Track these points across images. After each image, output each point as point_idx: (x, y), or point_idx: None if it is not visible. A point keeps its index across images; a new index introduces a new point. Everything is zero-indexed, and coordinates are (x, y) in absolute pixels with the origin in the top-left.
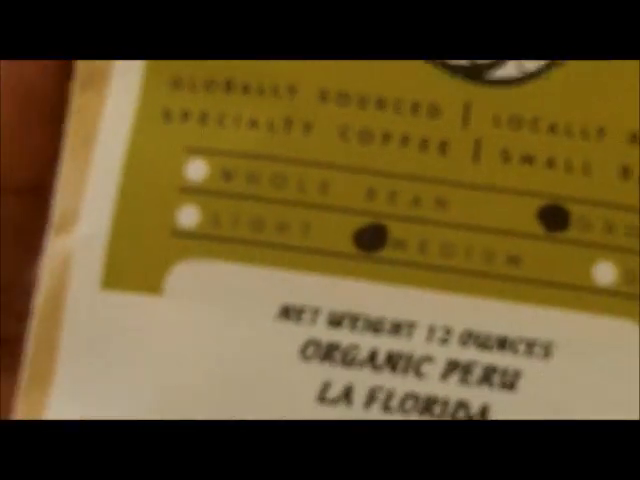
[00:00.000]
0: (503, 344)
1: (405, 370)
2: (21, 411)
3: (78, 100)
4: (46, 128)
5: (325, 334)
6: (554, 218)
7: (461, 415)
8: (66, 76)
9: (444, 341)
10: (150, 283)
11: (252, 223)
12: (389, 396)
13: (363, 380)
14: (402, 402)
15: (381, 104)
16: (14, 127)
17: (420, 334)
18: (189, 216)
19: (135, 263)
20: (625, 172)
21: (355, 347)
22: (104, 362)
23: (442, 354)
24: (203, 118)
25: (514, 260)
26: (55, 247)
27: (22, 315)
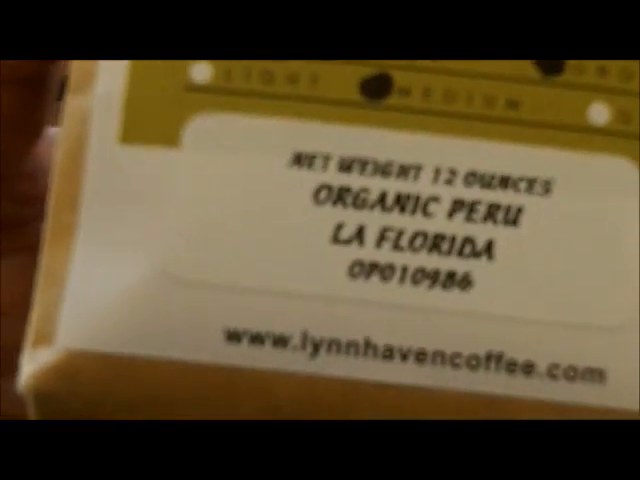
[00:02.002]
0: (505, 183)
1: (413, 210)
2: (46, 264)
3: None
4: None
5: (336, 179)
6: (550, 63)
7: (467, 250)
8: None
9: (449, 182)
10: (167, 136)
11: (263, 76)
12: (399, 235)
13: (374, 220)
14: (411, 240)
15: None
16: None
17: (426, 176)
18: (202, 71)
19: (152, 118)
20: None
21: (365, 190)
22: (125, 214)
23: (448, 194)
24: None
25: (513, 104)
26: (73, 106)
27: (25, 200)
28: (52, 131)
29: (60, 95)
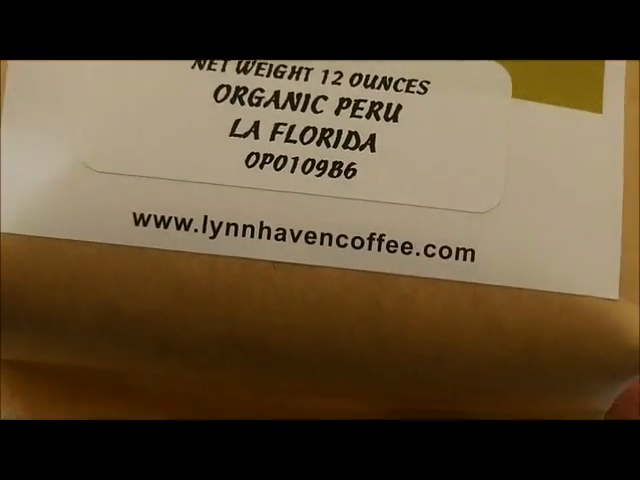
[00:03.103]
0: (386, 83)
1: (304, 107)
2: None
3: None
4: None
5: (234, 80)
6: None
7: (352, 143)
8: None
9: (336, 82)
10: None
11: None
12: (291, 129)
13: (268, 116)
14: (302, 134)
15: None
16: None
17: (316, 77)
18: None
19: None
20: None
21: (260, 89)
22: (44, 111)
23: (335, 93)
24: None
25: None
26: None
27: None
28: None
29: None
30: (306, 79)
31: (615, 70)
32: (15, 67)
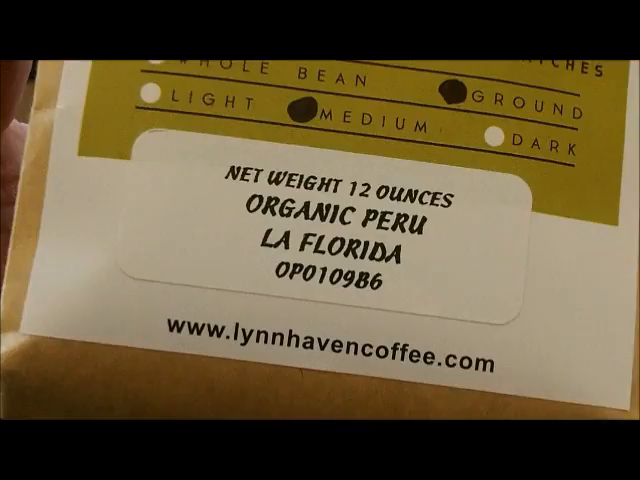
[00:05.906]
0: (412, 196)
1: (332, 218)
2: (12, 259)
3: None
4: None
5: (266, 190)
6: (453, 91)
7: (378, 255)
8: None
9: (364, 194)
10: (119, 149)
11: (204, 98)
12: (320, 240)
13: (298, 227)
14: (330, 245)
15: None
16: None
17: (344, 189)
18: (150, 92)
19: (106, 133)
20: None
21: (291, 200)
22: (82, 217)
23: (362, 205)
24: None
25: (421, 127)
26: (37, 121)
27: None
28: (17, 124)
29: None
30: (335, 190)
31: (631, 181)
32: (55, 169)
